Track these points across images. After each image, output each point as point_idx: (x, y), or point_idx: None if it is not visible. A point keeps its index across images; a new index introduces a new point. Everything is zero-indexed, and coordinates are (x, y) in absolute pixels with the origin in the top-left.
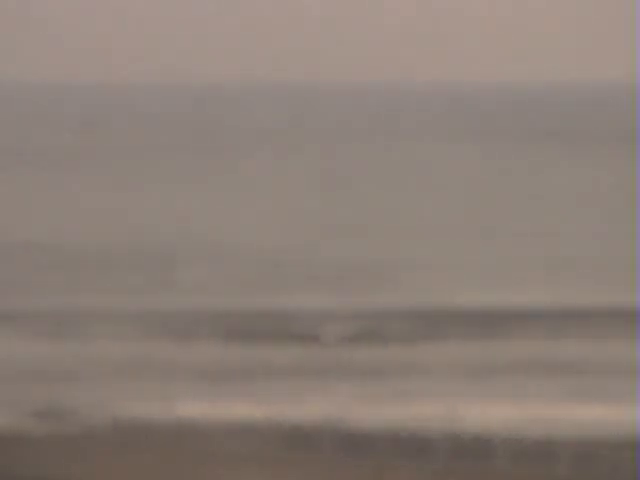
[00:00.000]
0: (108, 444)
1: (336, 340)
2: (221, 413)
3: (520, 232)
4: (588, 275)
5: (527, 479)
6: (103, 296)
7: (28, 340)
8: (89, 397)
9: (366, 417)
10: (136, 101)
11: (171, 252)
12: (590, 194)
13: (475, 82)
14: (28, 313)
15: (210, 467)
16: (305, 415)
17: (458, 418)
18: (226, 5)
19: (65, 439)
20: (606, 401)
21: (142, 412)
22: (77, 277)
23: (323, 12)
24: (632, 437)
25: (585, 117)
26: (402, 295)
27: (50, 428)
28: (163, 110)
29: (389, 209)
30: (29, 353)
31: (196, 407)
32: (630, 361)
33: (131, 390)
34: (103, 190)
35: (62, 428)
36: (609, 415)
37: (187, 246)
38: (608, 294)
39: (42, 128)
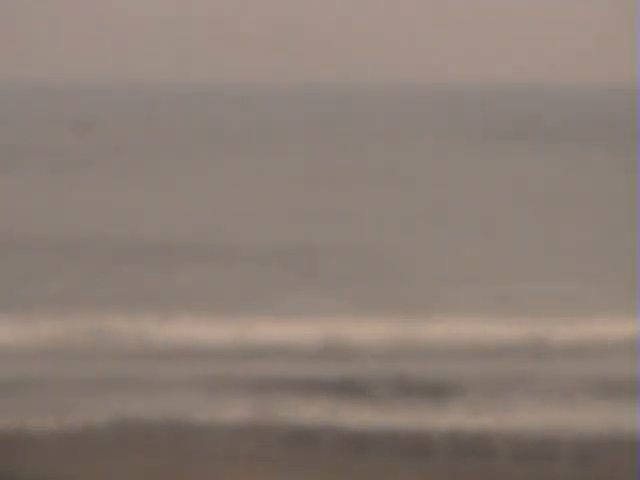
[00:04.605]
0: (108, 444)
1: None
2: (221, 413)
3: (515, 237)
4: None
5: (527, 479)
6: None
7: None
8: (90, 396)
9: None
10: (136, 101)
11: (171, 251)
12: (590, 196)
13: (474, 82)
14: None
15: (210, 467)
16: (305, 415)
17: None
18: (226, 5)
19: (65, 439)
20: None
21: (142, 412)
22: (77, 276)
23: (323, 12)
24: (632, 437)
25: (586, 118)
26: (401, 295)
27: (50, 428)
28: (163, 110)
29: (390, 210)
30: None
31: (197, 408)
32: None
33: (131, 390)
34: (102, 190)
35: (62, 428)
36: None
37: (187, 245)
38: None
39: (41, 128)
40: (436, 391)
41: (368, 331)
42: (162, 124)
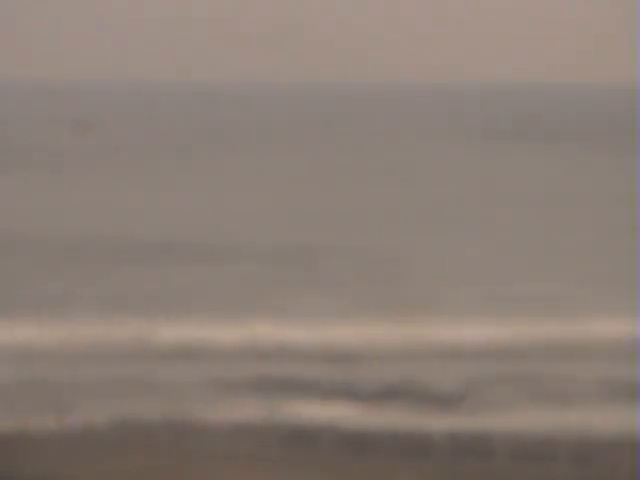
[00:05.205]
0: (108, 444)
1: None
2: (221, 413)
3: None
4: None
5: (527, 479)
6: (102, 295)
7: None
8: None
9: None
10: (136, 101)
11: (171, 251)
12: (590, 196)
13: (474, 82)
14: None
15: (210, 467)
16: (305, 415)
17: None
18: (226, 5)
19: (65, 439)
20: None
21: (142, 412)
22: (77, 276)
23: (323, 12)
24: (632, 437)
25: (586, 118)
26: (401, 293)
27: (50, 428)
28: (163, 110)
29: (390, 210)
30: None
31: (197, 407)
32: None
33: (131, 390)
34: (102, 190)
35: (62, 428)
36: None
37: (187, 245)
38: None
39: (41, 128)
40: (436, 391)
41: (368, 332)
42: (162, 124)
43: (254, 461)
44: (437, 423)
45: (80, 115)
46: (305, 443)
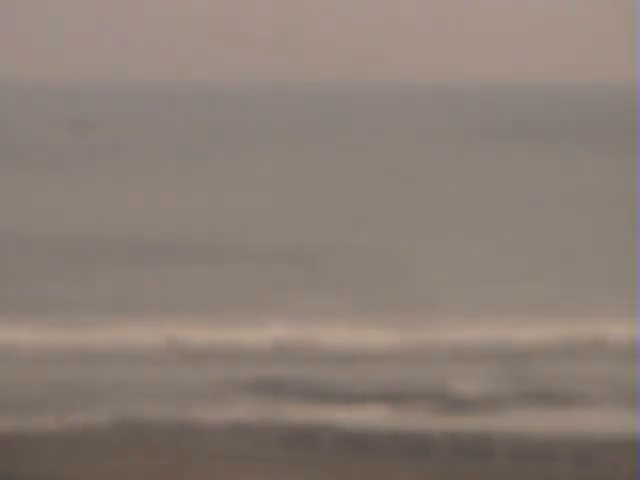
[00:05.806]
0: (108, 444)
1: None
2: (221, 413)
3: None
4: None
5: (527, 479)
6: (103, 294)
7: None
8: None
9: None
10: (136, 101)
11: (171, 251)
12: (590, 196)
13: (474, 82)
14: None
15: (210, 467)
16: (305, 415)
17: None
18: (226, 5)
19: (65, 439)
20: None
21: (142, 412)
22: (77, 276)
23: (323, 12)
24: (632, 437)
25: (586, 118)
26: (404, 294)
27: (50, 428)
28: (163, 110)
29: (390, 210)
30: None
31: (198, 408)
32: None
33: (131, 390)
34: (102, 190)
35: (62, 428)
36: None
37: (187, 245)
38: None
39: (40, 128)
40: (436, 391)
41: (368, 332)
42: (162, 124)
43: (254, 461)
44: (437, 423)
45: (80, 115)
46: (305, 443)
